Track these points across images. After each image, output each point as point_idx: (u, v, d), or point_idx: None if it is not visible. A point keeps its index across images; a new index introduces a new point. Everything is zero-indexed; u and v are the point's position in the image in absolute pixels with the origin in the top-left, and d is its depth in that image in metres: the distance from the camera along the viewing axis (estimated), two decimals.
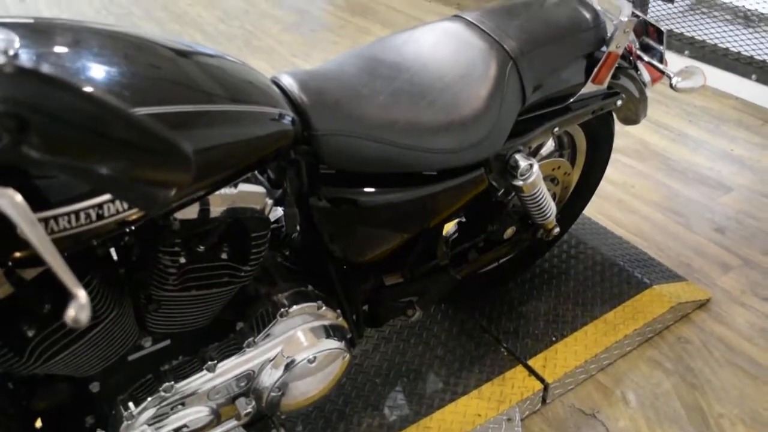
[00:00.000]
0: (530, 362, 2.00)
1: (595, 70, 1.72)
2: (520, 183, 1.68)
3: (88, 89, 0.62)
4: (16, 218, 0.67)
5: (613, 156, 3.11)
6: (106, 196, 0.94)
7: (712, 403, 1.96)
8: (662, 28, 1.84)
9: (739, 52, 3.69)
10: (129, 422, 1.26)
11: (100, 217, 0.95)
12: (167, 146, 0.67)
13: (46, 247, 0.68)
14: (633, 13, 1.74)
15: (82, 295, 0.67)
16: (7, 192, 0.67)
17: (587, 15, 1.72)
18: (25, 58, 0.91)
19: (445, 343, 2.06)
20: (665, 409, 1.94)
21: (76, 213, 0.92)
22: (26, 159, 0.61)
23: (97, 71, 0.98)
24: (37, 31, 0.99)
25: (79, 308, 0.66)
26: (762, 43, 3.62)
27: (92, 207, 0.93)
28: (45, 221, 0.90)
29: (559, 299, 2.24)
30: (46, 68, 0.60)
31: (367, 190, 1.43)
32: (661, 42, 1.86)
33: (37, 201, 0.87)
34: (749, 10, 3.82)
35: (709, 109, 3.62)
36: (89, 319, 0.67)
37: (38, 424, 1.28)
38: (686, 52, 3.82)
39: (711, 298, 2.35)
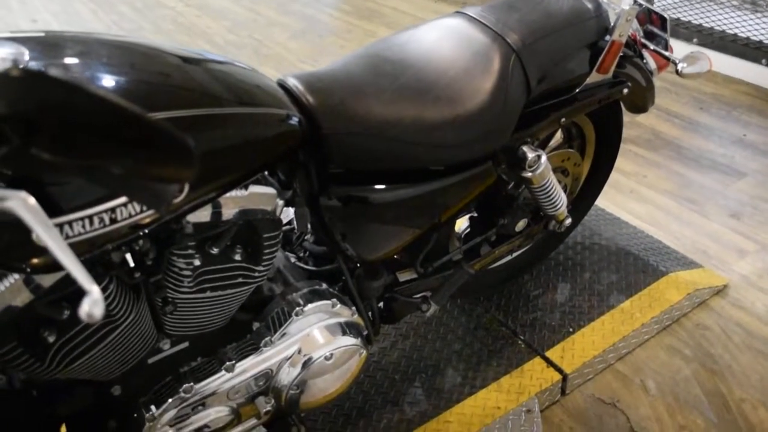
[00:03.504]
0: (548, 353, 2.01)
1: (600, 59, 1.73)
2: (529, 174, 1.69)
3: (89, 87, 0.64)
4: (29, 220, 0.69)
5: (625, 146, 3.12)
6: (119, 201, 0.96)
7: (733, 388, 1.96)
8: (666, 15, 1.84)
9: (747, 38, 3.67)
10: (151, 424, 1.27)
11: (113, 221, 0.97)
12: (171, 141, 0.68)
13: (59, 246, 0.70)
14: (635, 1, 1.74)
15: (95, 290, 0.69)
16: (20, 194, 0.69)
17: (588, 5, 1.72)
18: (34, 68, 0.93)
19: (462, 337, 2.07)
20: (686, 396, 1.93)
21: (90, 217, 0.94)
22: (35, 161, 0.63)
23: (106, 79, 1.01)
24: (47, 44, 1.01)
25: (92, 303, 0.68)
26: None
27: (105, 211, 0.96)
28: (59, 226, 0.92)
29: (575, 290, 2.24)
30: (51, 71, 0.62)
31: (376, 187, 1.45)
32: (665, 29, 1.86)
33: (50, 207, 0.90)
34: None
35: (719, 95, 3.61)
36: (103, 314, 0.69)
37: (63, 429, 1.30)
38: (694, 40, 3.81)
39: (728, 283, 2.34)
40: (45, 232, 0.69)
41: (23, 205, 0.69)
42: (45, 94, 0.61)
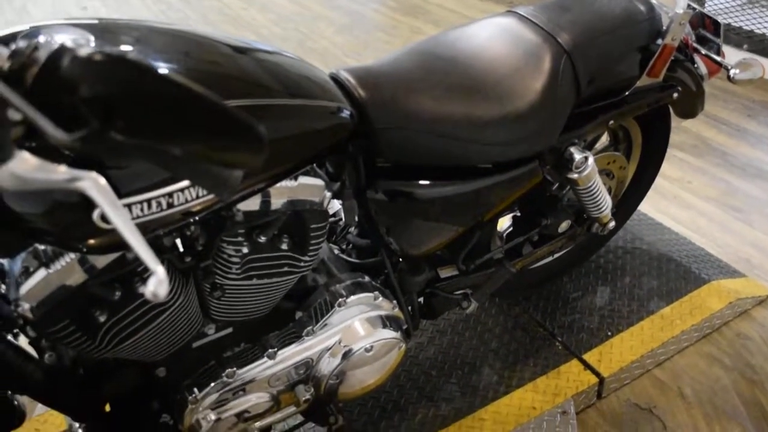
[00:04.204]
0: (585, 356, 2.00)
1: (651, 62, 1.71)
2: (575, 176, 1.69)
3: (170, 73, 0.66)
4: (100, 200, 0.71)
5: (670, 151, 3.06)
6: (177, 186, 0.99)
7: None
8: (719, 21, 1.82)
9: None
10: (193, 406, 1.30)
11: (170, 205, 1.00)
12: (244, 128, 0.70)
13: (128, 226, 0.72)
14: (689, 5, 1.72)
15: (160, 271, 0.71)
16: (91, 175, 0.72)
17: (642, 7, 1.71)
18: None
19: (499, 336, 2.07)
20: (724, 405, 1.91)
21: (149, 201, 0.97)
22: (112, 143, 0.65)
23: (162, 69, 1.03)
24: (106, 30, 1.04)
25: (158, 283, 0.70)
26: None
27: (163, 195, 0.98)
28: None
29: (615, 294, 2.23)
30: (132, 54, 0.64)
31: (423, 182, 1.46)
32: (718, 34, 1.84)
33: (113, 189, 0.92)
34: None
35: None
36: (167, 294, 0.71)
37: (107, 408, 1.33)
38: (745, 46, 3.74)
39: None
40: (115, 213, 0.72)
41: (95, 185, 0.71)
42: (126, 78, 0.63)
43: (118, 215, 0.71)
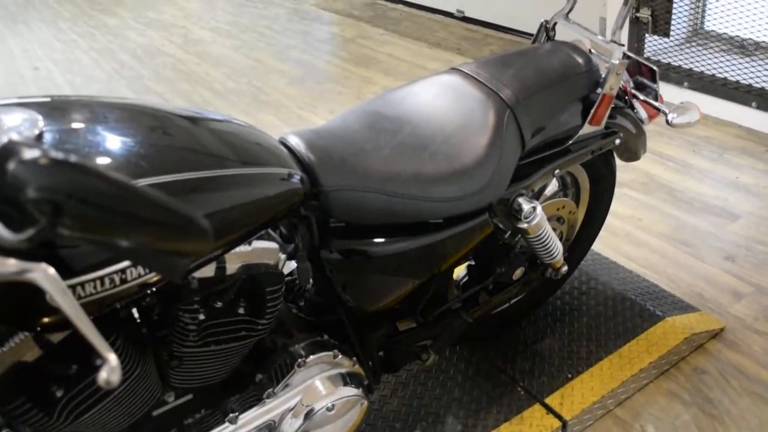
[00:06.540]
0: (547, 400, 2.02)
1: (592, 111, 1.78)
2: (524, 225, 1.73)
3: (112, 173, 0.69)
4: (50, 290, 0.73)
5: (620, 190, 3.16)
6: (129, 262, 1.00)
7: None
8: (654, 67, 1.90)
9: (737, 81, 3.74)
10: None
11: (123, 281, 1.01)
12: (185, 221, 0.73)
13: (78, 314, 0.74)
14: (624, 54, 1.80)
15: (112, 358, 0.72)
16: (41, 266, 0.73)
17: (580, 60, 1.78)
18: (49, 139, 0.98)
19: (462, 384, 2.08)
20: None
21: (101, 278, 0.98)
22: (59, 236, 0.67)
23: (114, 145, 1.05)
24: (56, 109, 1.05)
25: (110, 371, 0.71)
26: (759, 70, 3.67)
27: (116, 272, 0.99)
28: (72, 288, 0.96)
29: (573, 336, 2.26)
30: (74, 157, 0.66)
31: (376, 240, 1.48)
32: (654, 80, 1.92)
33: (65, 269, 0.93)
34: (744, 40, 3.88)
35: (711, 138, 3.66)
36: (120, 380, 0.72)
37: None
38: (685, 84, 3.88)
39: (725, 327, 2.36)
40: (65, 302, 0.73)
41: (45, 276, 0.73)
42: (66, 179, 0.65)
43: (69, 305, 0.73)
